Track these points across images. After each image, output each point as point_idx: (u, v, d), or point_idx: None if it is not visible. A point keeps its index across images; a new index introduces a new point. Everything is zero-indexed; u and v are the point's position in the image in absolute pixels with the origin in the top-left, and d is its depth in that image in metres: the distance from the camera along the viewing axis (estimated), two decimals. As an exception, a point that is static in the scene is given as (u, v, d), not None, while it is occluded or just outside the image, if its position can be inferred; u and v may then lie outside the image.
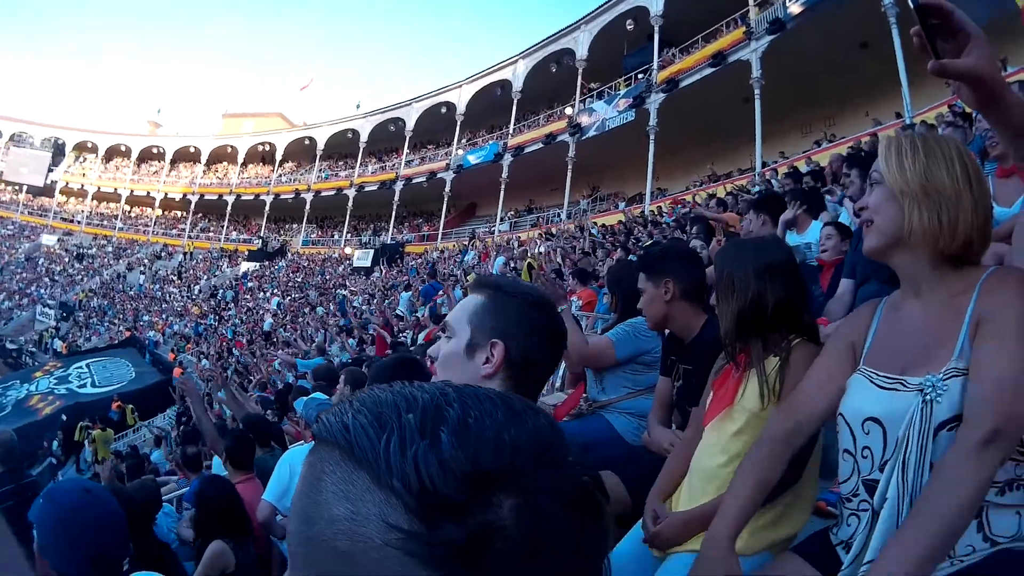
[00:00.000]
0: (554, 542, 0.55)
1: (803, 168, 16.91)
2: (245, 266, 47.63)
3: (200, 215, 56.24)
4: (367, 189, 46.18)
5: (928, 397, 1.59)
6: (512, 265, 19.94)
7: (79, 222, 57.89)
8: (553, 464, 0.58)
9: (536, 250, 22.14)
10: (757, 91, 26.26)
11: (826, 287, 5.12)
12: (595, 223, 26.67)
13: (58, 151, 59.33)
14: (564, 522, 0.56)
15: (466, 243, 35.01)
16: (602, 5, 34.21)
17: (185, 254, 53.13)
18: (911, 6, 1.30)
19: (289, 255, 48.18)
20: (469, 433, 0.56)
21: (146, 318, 42.49)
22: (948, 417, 1.55)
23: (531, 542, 0.54)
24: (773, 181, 18.12)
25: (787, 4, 25.74)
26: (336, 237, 49.11)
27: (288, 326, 28.72)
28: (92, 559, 2.17)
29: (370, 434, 0.56)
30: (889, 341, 1.79)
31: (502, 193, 37.93)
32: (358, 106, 53.09)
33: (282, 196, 50.47)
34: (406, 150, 45.00)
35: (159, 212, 57.26)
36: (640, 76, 32.28)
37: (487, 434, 0.57)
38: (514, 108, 38.57)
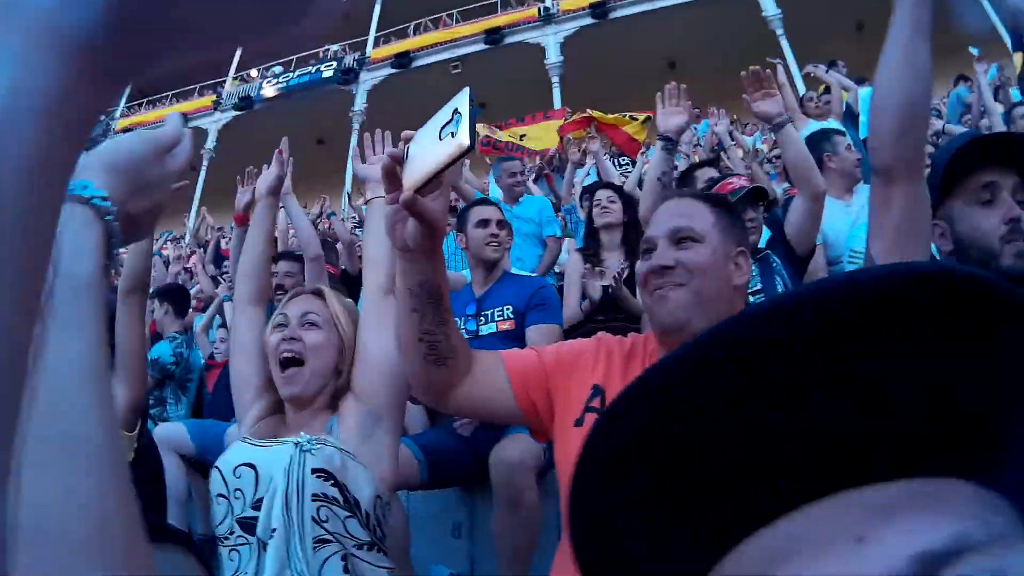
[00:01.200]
0: None
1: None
2: None
3: None
4: None
5: (304, 448, 1.72)
6: None
7: None
8: None
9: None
10: (205, 162, 24.30)
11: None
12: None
13: None
14: None
15: None
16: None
17: None
18: (459, 145, 1.13)
19: None
20: None
21: None
22: (318, 467, 1.71)
23: None
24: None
25: (263, 85, 24.96)
26: None
27: None
28: None
29: None
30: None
31: None
32: None
33: None
34: None
35: None
36: (102, 119, 27.39)
37: None
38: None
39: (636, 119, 9.10)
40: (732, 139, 6.69)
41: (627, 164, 7.37)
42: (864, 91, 6.63)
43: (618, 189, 4.60)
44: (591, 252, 4.21)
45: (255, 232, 2.38)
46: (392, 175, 1.26)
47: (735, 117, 11.28)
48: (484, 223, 3.47)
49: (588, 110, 9.34)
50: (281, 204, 3.73)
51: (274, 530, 1.68)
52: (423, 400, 1.75)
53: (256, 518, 1.72)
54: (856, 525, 0.34)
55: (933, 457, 0.36)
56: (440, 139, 1.15)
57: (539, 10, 21.93)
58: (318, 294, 2.05)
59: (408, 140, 1.26)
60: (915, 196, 1.58)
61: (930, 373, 0.35)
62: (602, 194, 4.40)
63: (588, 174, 7.13)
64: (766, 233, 3.54)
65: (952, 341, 0.35)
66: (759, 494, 0.36)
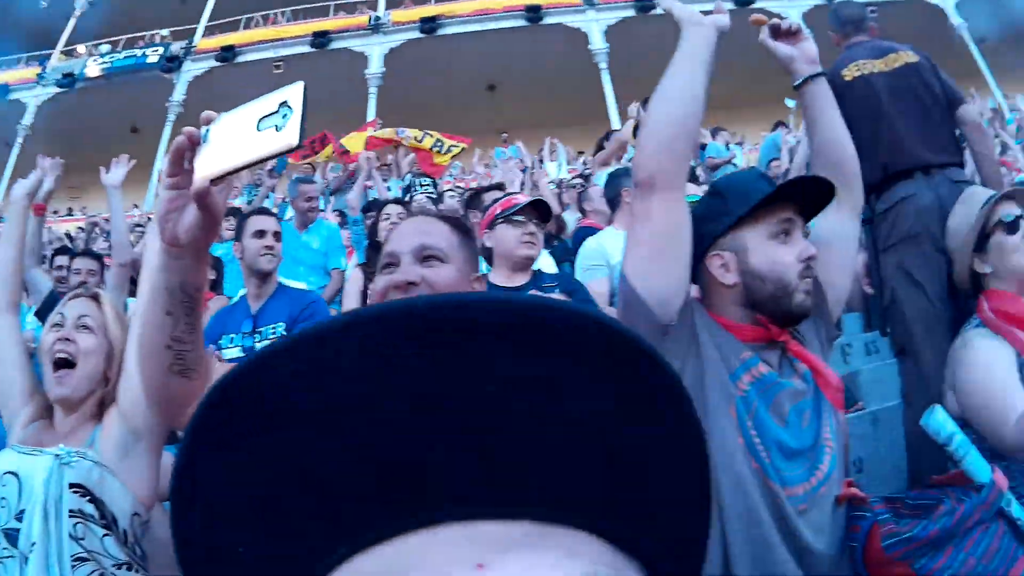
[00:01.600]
0: None
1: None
2: None
3: None
4: None
5: (63, 461, 1.70)
6: None
7: None
8: None
9: None
10: (20, 139, 22.67)
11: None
12: None
13: None
14: None
15: None
16: None
17: None
18: (287, 141, 1.02)
19: None
20: None
21: None
22: (76, 481, 1.69)
23: None
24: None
25: (87, 63, 23.44)
26: None
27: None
28: None
29: None
30: None
31: None
32: None
33: None
34: None
35: None
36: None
37: None
38: None
39: (451, 151, 9.18)
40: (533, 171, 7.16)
41: (428, 184, 7.71)
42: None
43: (406, 205, 4.63)
44: (373, 268, 3.84)
45: (6, 237, 2.25)
46: (181, 157, 1.09)
47: (541, 150, 11.80)
48: (261, 234, 3.41)
49: (400, 129, 9.57)
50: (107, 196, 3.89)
51: (34, 544, 1.64)
52: (158, 413, 1.63)
53: (19, 530, 1.67)
54: (477, 553, 0.32)
55: (564, 508, 0.34)
56: (259, 130, 1.03)
57: (370, 18, 22.08)
58: (95, 298, 2.00)
59: (209, 121, 1.09)
60: (675, 209, 1.58)
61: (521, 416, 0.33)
62: (392, 209, 4.38)
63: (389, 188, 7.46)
64: (551, 258, 3.66)
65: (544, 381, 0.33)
66: (355, 519, 0.34)
